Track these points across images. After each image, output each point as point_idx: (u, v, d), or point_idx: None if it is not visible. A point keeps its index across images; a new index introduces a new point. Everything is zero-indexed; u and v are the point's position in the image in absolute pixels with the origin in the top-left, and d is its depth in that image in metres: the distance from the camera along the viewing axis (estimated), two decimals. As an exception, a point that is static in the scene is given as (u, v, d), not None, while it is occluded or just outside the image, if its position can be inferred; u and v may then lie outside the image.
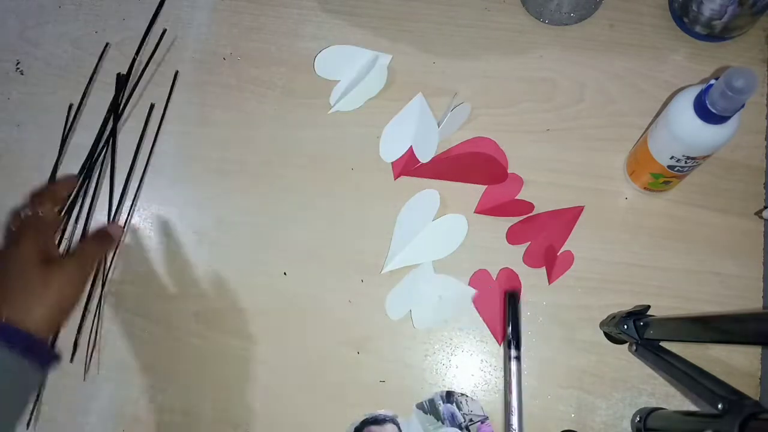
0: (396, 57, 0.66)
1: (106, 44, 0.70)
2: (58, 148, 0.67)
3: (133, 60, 0.68)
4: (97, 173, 0.66)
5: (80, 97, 0.68)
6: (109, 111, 0.68)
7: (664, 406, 0.55)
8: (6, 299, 0.51)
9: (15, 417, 0.50)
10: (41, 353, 0.51)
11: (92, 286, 0.63)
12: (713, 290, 0.58)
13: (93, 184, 0.66)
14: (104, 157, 0.67)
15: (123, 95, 0.68)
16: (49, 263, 0.53)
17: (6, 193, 0.67)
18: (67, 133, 0.67)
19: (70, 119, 0.68)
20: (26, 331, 0.50)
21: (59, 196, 0.61)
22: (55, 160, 0.66)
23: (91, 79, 0.68)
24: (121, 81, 0.68)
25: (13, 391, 0.49)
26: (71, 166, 0.67)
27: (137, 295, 0.63)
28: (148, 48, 0.69)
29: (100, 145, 0.67)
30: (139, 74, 0.68)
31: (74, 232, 0.65)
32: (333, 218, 0.63)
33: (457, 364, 0.59)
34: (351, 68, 0.66)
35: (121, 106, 0.68)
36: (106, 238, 0.61)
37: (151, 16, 0.69)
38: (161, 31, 0.69)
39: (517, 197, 0.62)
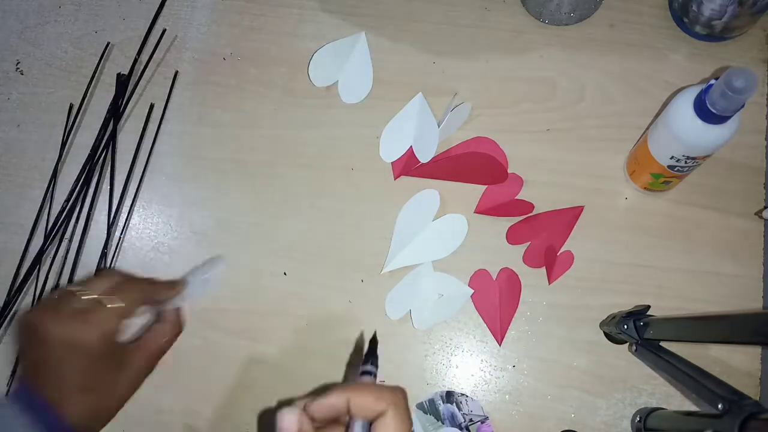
0: (396, 57, 0.66)
1: (107, 44, 0.70)
2: (59, 148, 0.67)
3: (135, 60, 0.68)
4: (98, 173, 0.66)
5: (80, 97, 0.68)
6: (109, 111, 0.68)
7: (664, 406, 0.55)
8: (53, 387, 0.45)
9: None
10: None
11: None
12: (713, 290, 0.58)
13: (93, 184, 0.66)
14: (104, 157, 0.67)
15: (124, 95, 0.68)
16: (110, 356, 0.47)
17: (6, 193, 0.67)
18: (68, 134, 0.67)
19: (71, 120, 0.68)
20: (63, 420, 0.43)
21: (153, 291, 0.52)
22: (55, 162, 0.66)
23: (91, 79, 0.68)
24: (122, 81, 0.68)
25: None
26: (72, 166, 0.67)
27: (137, 295, 0.63)
28: (148, 48, 0.69)
29: (101, 146, 0.67)
30: (139, 74, 0.68)
31: (74, 232, 0.65)
32: (333, 218, 0.63)
33: (457, 364, 0.59)
34: (341, 63, 0.66)
35: (122, 107, 0.68)
36: (176, 325, 0.53)
37: (151, 17, 0.69)
38: (161, 31, 0.69)
39: (517, 197, 0.62)
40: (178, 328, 0.54)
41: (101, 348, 0.46)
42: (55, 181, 0.66)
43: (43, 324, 0.46)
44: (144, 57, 0.69)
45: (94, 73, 0.69)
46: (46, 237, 0.64)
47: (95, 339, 0.46)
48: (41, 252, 0.64)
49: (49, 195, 0.66)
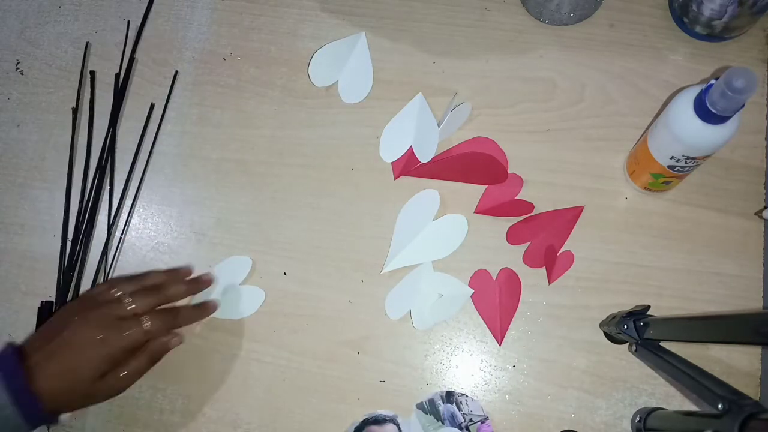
0: (396, 57, 0.66)
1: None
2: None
3: (134, 60, 0.68)
4: (98, 173, 0.66)
5: (80, 98, 0.68)
6: (112, 110, 0.68)
7: (664, 406, 0.55)
8: (56, 364, 0.50)
9: None
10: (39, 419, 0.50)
11: (93, 286, 0.63)
12: (713, 290, 0.58)
13: (93, 185, 0.66)
14: (104, 157, 0.67)
15: (123, 96, 0.68)
16: (120, 360, 0.53)
17: (6, 193, 0.67)
18: (72, 136, 0.67)
19: (77, 123, 0.67)
20: (42, 404, 0.49)
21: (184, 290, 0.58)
22: (68, 165, 0.66)
23: (92, 80, 0.68)
24: (120, 81, 0.68)
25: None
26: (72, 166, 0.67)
27: (137, 295, 0.63)
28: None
29: (102, 146, 0.67)
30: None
31: (85, 233, 0.65)
32: (333, 218, 0.63)
33: (457, 364, 0.59)
34: (341, 63, 0.66)
35: (120, 107, 0.68)
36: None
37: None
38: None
39: (517, 197, 0.62)
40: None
41: (120, 355, 0.53)
42: (70, 184, 0.66)
43: (83, 316, 0.53)
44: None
45: (93, 73, 0.69)
46: (74, 240, 0.64)
47: (119, 349, 0.53)
48: (72, 255, 0.64)
49: (63, 197, 0.66)
